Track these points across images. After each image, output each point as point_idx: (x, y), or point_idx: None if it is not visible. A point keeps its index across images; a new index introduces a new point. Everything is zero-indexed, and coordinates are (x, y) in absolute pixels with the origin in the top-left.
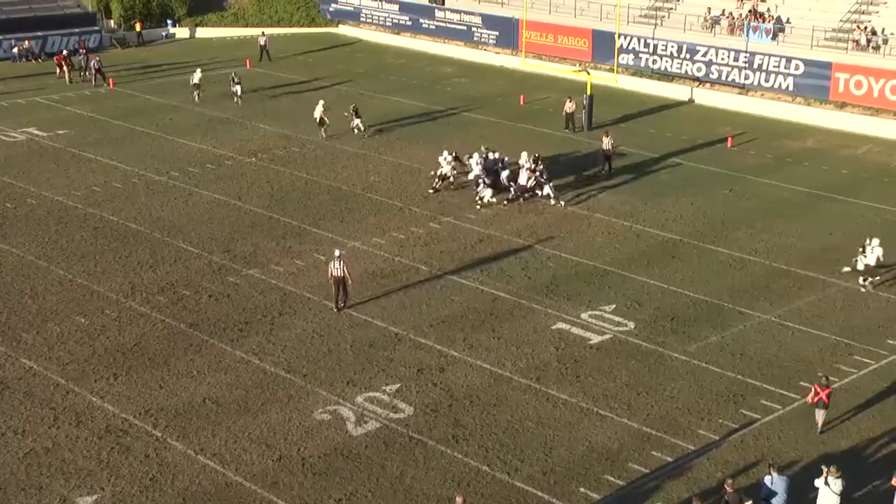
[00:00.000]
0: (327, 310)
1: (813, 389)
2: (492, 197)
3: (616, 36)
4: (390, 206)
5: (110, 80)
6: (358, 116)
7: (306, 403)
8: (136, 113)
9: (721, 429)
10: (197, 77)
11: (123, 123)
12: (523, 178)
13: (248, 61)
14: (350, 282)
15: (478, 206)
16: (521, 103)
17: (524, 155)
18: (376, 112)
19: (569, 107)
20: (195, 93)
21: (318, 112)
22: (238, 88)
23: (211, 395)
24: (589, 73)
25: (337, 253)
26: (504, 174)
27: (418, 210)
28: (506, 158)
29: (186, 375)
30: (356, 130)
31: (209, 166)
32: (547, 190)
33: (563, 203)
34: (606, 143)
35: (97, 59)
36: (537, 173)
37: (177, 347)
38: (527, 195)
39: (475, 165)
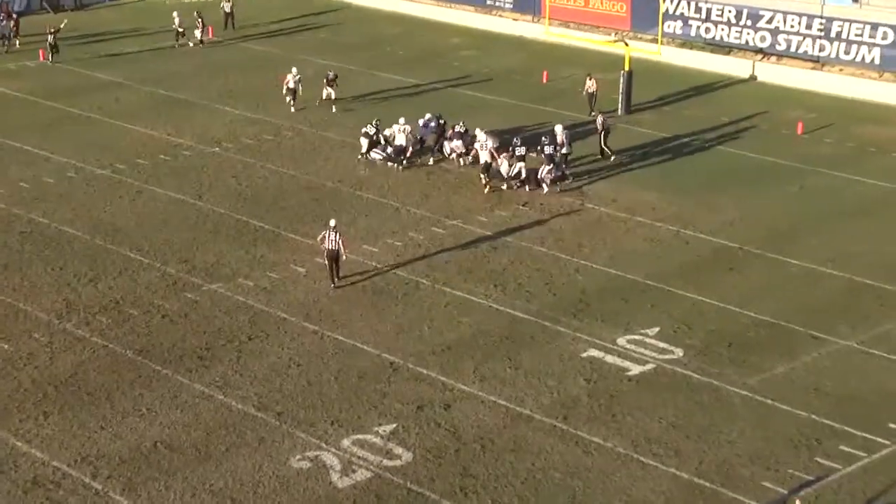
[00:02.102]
0: (307, 333)
1: None
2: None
3: None
4: (384, 206)
5: (40, 52)
6: (332, 86)
7: (281, 448)
8: (73, 92)
9: (791, 481)
10: (293, 80)
11: (57, 105)
12: (504, 167)
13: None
14: (344, 257)
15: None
16: (544, 81)
17: (559, 129)
18: (366, 92)
19: (589, 86)
20: (289, 99)
21: (291, 82)
22: (331, 92)
23: (164, 438)
24: (627, 45)
25: (332, 223)
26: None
27: (418, 211)
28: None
29: (134, 414)
30: (326, 100)
31: (163, 157)
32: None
33: (550, 187)
34: (591, 85)
35: (53, 29)
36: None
37: (122, 380)
38: (517, 183)
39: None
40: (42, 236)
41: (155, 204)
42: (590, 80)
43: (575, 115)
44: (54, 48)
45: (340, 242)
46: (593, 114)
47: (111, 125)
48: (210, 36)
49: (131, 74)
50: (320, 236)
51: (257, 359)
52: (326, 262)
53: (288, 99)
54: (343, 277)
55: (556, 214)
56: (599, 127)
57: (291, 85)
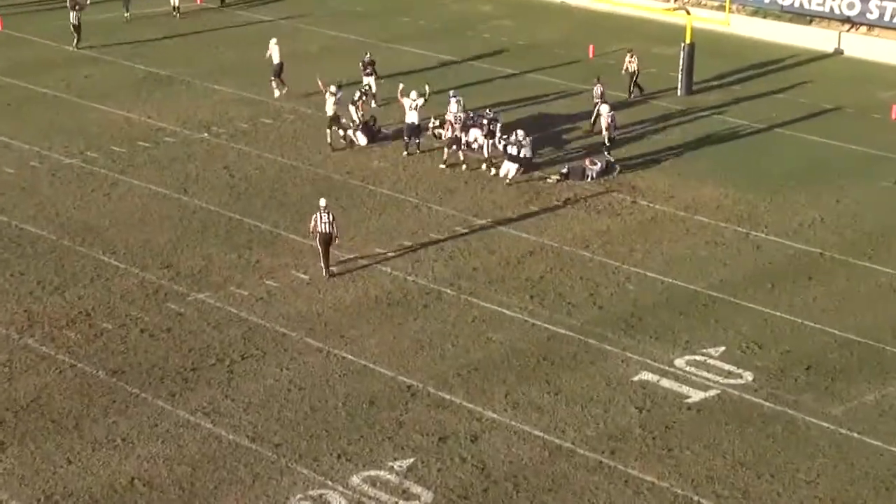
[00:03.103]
0: (310, 351)
1: None
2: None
3: None
4: (402, 202)
5: None
6: (371, 73)
7: (279, 486)
8: (36, 67)
9: None
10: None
11: (16, 82)
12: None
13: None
14: (337, 241)
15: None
16: (591, 56)
17: (605, 109)
18: (384, 69)
19: (629, 63)
20: (274, 85)
21: (275, 55)
22: (371, 84)
23: (142, 473)
24: (689, 13)
25: (323, 202)
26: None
27: (441, 209)
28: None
29: (107, 445)
30: (363, 98)
31: (142, 144)
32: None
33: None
34: (631, 64)
35: (77, 5)
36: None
37: (93, 405)
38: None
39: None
40: (0, 237)
41: (132, 199)
42: (630, 56)
43: (624, 94)
44: (78, 29)
45: (335, 224)
46: (597, 87)
47: (81, 106)
48: (198, 1)
49: (105, 46)
50: (312, 219)
51: (252, 381)
52: (319, 246)
53: (275, 86)
54: (334, 271)
55: (603, 213)
56: (599, 105)
57: (276, 59)
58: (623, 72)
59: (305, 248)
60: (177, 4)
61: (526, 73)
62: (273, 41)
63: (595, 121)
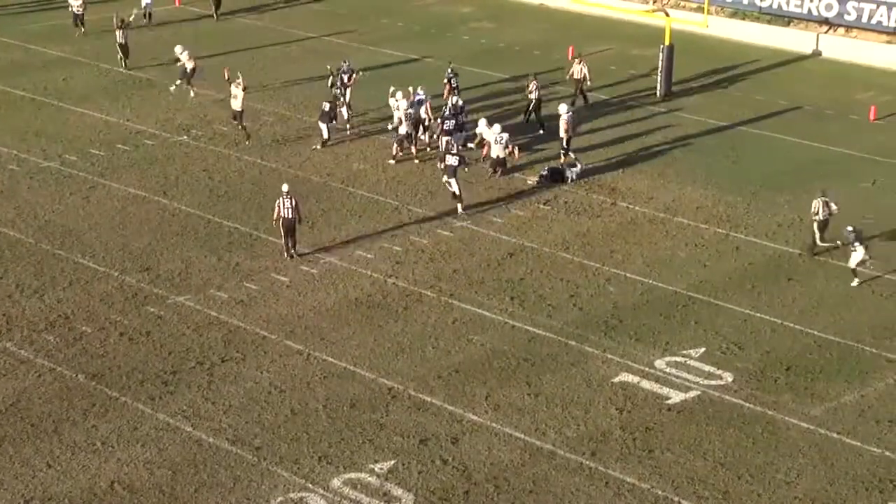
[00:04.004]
0: (291, 353)
1: None
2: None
3: None
4: (382, 204)
5: None
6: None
7: (260, 489)
8: (13, 69)
9: None
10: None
11: None
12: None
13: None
14: (299, 224)
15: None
16: (570, 58)
17: (563, 108)
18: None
19: (577, 70)
20: (120, 56)
21: (185, 61)
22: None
23: (122, 477)
24: (668, 14)
25: (285, 188)
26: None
27: (421, 210)
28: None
29: (87, 449)
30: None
31: (121, 147)
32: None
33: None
34: (578, 70)
35: (121, 23)
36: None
37: (72, 409)
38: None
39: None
40: None
41: (112, 202)
42: (578, 62)
43: (604, 96)
44: (125, 49)
45: (298, 209)
46: (531, 85)
47: (59, 109)
48: (177, 3)
49: (84, 48)
50: (276, 205)
51: (232, 384)
52: (282, 231)
53: (181, 84)
54: (294, 254)
55: (583, 215)
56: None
57: (189, 65)
58: (568, 77)
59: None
60: (149, 11)
61: (502, 75)
62: (179, 47)
63: (529, 114)
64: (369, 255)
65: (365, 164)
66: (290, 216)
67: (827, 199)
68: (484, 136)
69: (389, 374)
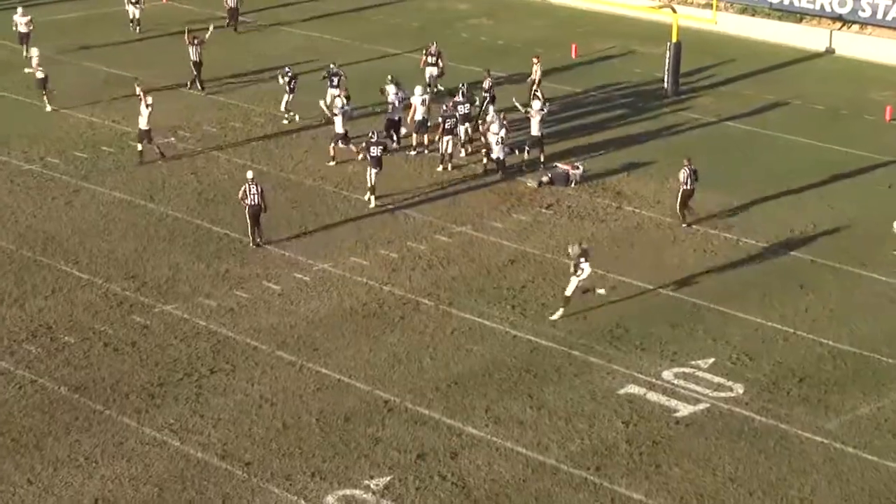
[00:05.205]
0: (282, 364)
1: None
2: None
3: None
4: (377, 208)
5: None
6: (336, 86)
7: None
8: None
9: None
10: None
11: None
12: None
13: None
14: (264, 212)
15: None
16: (573, 56)
17: (536, 105)
18: (355, 70)
19: (534, 70)
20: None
21: (37, 70)
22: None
23: (106, 494)
24: (675, 11)
25: (250, 175)
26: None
27: (419, 216)
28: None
29: (69, 465)
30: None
31: (106, 149)
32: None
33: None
34: (535, 71)
35: (196, 40)
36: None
37: (54, 423)
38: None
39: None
40: None
41: (96, 206)
42: (536, 62)
43: (609, 94)
44: (198, 67)
45: (263, 196)
46: (487, 80)
47: (41, 109)
48: (164, 0)
49: (67, 46)
50: (241, 190)
51: (221, 396)
52: (248, 219)
53: (45, 97)
54: (260, 243)
55: (587, 220)
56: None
57: (40, 74)
58: (529, 79)
59: (277, 257)
60: (136, 17)
61: (502, 74)
62: (35, 52)
63: (482, 115)
64: (364, 262)
65: (359, 167)
66: (256, 202)
67: (695, 168)
68: (411, 101)
69: (385, 385)
